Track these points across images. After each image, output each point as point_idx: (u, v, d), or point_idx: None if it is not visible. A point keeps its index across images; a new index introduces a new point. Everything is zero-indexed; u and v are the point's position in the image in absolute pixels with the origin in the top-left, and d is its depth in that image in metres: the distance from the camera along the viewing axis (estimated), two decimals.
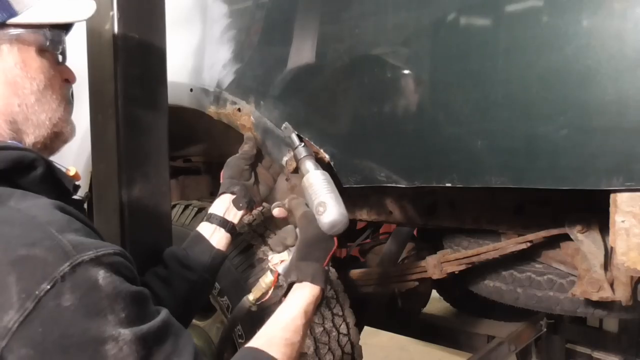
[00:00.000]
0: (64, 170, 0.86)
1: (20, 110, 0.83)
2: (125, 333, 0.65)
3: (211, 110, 1.42)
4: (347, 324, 1.51)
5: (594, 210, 1.23)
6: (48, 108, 0.86)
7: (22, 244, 0.64)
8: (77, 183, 0.89)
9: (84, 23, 1.14)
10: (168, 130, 1.21)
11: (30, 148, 0.84)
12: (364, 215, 1.73)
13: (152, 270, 1.12)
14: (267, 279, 1.09)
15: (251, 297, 1.11)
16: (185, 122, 1.54)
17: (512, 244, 1.44)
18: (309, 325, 0.97)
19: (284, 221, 1.11)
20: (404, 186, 1.08)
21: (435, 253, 1.70)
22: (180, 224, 1.61)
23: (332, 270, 1.58)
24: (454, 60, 0.98)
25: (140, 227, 1.16)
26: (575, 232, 1.26)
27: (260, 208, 1.48)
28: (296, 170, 1.19)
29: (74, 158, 1.71)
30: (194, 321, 1.58)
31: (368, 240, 2.57)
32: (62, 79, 0.91)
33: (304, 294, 0.96)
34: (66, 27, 0.90)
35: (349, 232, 2.50)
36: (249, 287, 1.17)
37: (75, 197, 0.88)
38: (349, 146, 1.16)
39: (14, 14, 0.80)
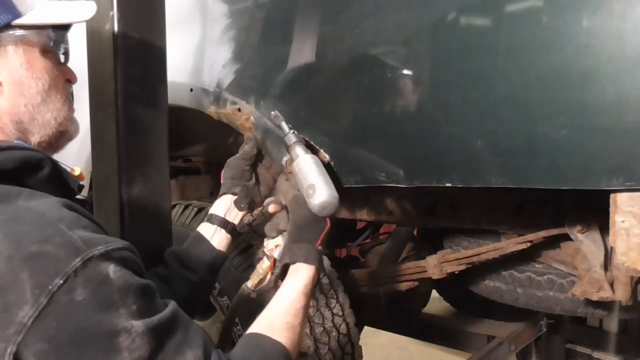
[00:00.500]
0: (68, 170, 0.87)
1: (26, 110, 0.84)
2: (138, 325, 0.66)
3: (211, 110, 1.42)
4: (347, 324, 1.51)
5: (594, 210, 1.24)
6: (53, 107, 0.87)
7: (34, 241, 0.64)
8: (81, 183, 0.90)
9: (84, 23, 1.14)
10: (168, 130, 1.21)
11: (35, 147, 0.85)
12: (364, 215, 1.73)
13: (153, 270, 1.12)
14: (264, 265, 1.11)
15: (249, 284, 1.12)
16: (185, 122, 1.54)
17: (512, 244, 1.44)
18: (308, 307, 0.98)
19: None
20: (404, 186, 1.08)
21: (435, 253, 1.70)
22: (180, 224, 1.61)
23: (332, 270, 1.58)
24: (454, 60, 0.98)
25: (140, 227, 1.16)
26: (575, 232, 1.26)
27: (260, 208, 1.48)
28: None
29: (74, 158, 1.71)
30: (194, 321, 1.58)
31: (368, 240, 2.57)
32: (64, 79, 0.91)
33: (299, 276, 0.98)
34: (67, 27, 0.91)
35: (349, 232, 2.50)
36: None
37: (79, 196, 0.89)
38: (349, 146, 1.16)
39: (18, 15, 0.81)
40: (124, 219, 1.13)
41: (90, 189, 1.70)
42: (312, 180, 1.01)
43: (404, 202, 1.64)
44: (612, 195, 0.87)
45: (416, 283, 1.82)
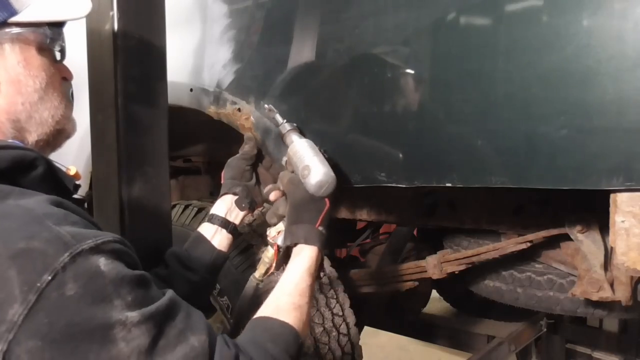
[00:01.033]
0: (64, 169, 0.87)
1: (23, 108, 0.84)
2: (133, 315, 0.66)
3: (211, 110, 1.42)
4: (347, 324, 1.51)
5: (594, 210, 1.23)
6: (50, 106, 0.87)
7: (21, 238, 0.64)
8: (77, 182, 0.90)
9: (84, 22, 1.14)
10: (168, 130, 1.21)
11: (31, 147, 0.84)
12: (364, 215, 1.73)
13: (153, 270, 1.12)
14: (268, 254, 1.11)
15: (257, 274, 1.13)
16: (185, 122, 1.54)
17: (512, 244, 1.44)
18: (314, 287, 0.98)
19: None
20: (404, 186, 1.08)
21: (435, 253, 1.70)
22: (180, 224, 1.61)
23: (332, 270, 1.58)
24: (454, 60, 0.98)
25: (140, 227, 1.16)
26: (575, 232, 1.26)
27: (261, 208, 1.48)
28: None
29: (74, 158, 1.71)
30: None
31: (368, 240, 2.57)
32: (60, 76, 0.91)
33: (302, 257, 0.98)
34: (63, 24, 0.90)
35: (349, 232, 2.50)
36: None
37: (76, 196, 0.88)
38: (349, 146, 1.16)
39: (14, 12, 0.81)
40: (124, 219, 1.13)
41: (90, 188, 1.70)
42: (307, 161, 1.02)
43: (405, 202, 1.64)
44: (612, 195, 0.87)
45: (416, 283, 1.82)
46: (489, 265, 1.58)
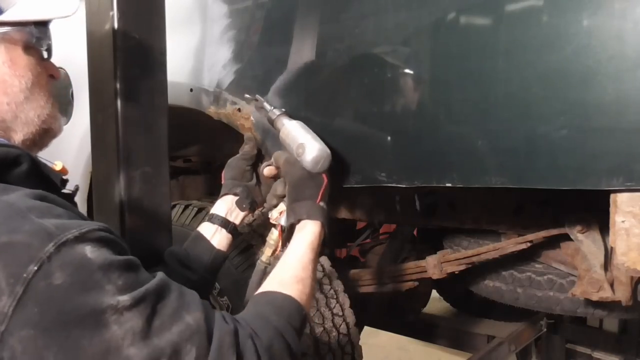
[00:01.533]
0: (50, 165, 0.86)
1: (9, 108, 0.83)
2: (124, 299, 0.65)
3: (211, 110, 1.42)
4: (347, 324, 1.51)
5: (594, 210, 1.23)
6: (37, 105, 0.86)
7: (3, 232, 0.64)
8: (64, 177, 0.89)
9: (84, 21, 1.14)
10: (168, 130, 1.21)
11: (16, 145, 0.83)
12: (364, 215, 1.73)
13: (153, 270, 1.12)
14: (273, 236, 1.13)
15: (264, 257, 1.14)
16: (185, 122, 1.54)
17: (512, 244, 1.44)
18: (317, 262, 0.99)
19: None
20: (404, 186, 1.08)
21: (435, 253, 1.70)
22: (180, 224, 1.61)
23: (332, 270, 1.58)
24: (454, 60, 0.98)
25: (140, 227, 1.15)
26: (575, 232, 1.26)
27: (261, 208, 1.48)
28: None
29: (74, 158, 1.71)
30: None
31: (368, 240, 2.57)
32: (47, 75, 0.90)
33: (305, 232, 0.99)
34: (49, 23, 0.89)
35: (349, 232, 2.50)
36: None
37: (64, 190, 0.88)
38: (349, 146, 1.16)
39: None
40: (124, 219, 1.13)
41: (90, 189, 1.70)
42: (300, 140, 1.04)
43: (404, 202, 1.64)
44: (612, 195, 0.87)
45: (416, 283, 1.82)
46: (489, 265, 1.58)
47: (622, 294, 1.23)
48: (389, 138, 1.09)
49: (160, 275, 0.74)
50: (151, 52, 1.16)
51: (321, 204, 1.02)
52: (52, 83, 0.92)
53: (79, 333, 0.62)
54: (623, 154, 0.82)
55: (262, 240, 1.45)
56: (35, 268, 0.62)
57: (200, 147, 2.19)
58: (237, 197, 1.23)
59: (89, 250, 0.66)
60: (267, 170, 1.15)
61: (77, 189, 0.94)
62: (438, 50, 1.01)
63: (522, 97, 0.90)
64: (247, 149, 1.28)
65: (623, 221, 0.86)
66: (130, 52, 1.11)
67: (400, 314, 2.62)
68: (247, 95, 1.20)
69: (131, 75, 1.12)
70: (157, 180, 1.18)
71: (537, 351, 2.54)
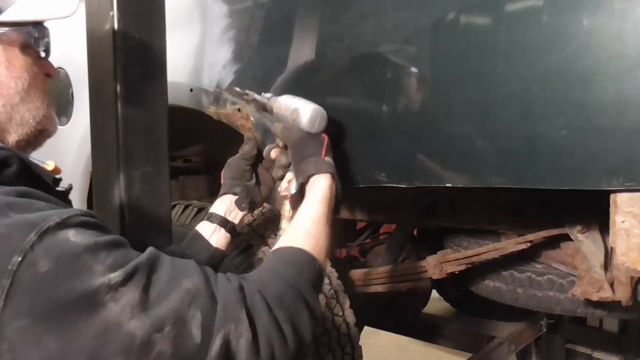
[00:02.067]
0: (41, 165, 0.85)
1: (4, 110, 0.83)
2: (115, 275, 0.64)
3: (211, 110, 1.42)
4: (347, 324, 1.51)
5: (594, 210, 1.24)
6: (32, 106, 0.86)
7: None
8: (57, 176, 0.88)
9: (84, 21, 1.14)
10: (168, 130, 1.21)
11: (12, 147, 0.83)
12: (364, 215, 1.73)
13: None
14: (286, 207, 1.11)
15: (281, 232, 1.13)
16: (185, 122, 1.54)
17: (512, 244, 1.44)
18: (330, 216, 0.97)
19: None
20: (404, 186, 1.08)
21: (435, 253, 1.70)
22: (180, 224, 1.61)
23: (332, 270, 1.58)
24: (454, 60, 0.98)
25: (140, 227, 1.15)
26: (575, 232, 1.26)
27: (261, 208, 1.48)
28: None
29: (74, 158, 1.71)
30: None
31: (368, 240, 2.57)
32: (43, 74, 0.90)
33: (315, 188, 0.99)
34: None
35: (349, 232, 2.50)
36: None
37: (59, 188, 0.87)
38: (349, 146, 1.16)
39: None
40: (124, 219, 1.13)
41: (90, 189, 1.70)
42: (293, 106, 1.05)
43: (404, 202, 1.64)
44: (612, 196, 0.87)
45: (416, 283, 1.82)
46: (489, 265, 1.58)
47: (622, 294, 1.23)
48: (389, 138, 1.09)
49: (150, 249, 0.73)
50: (151, 52, 1.16)
51: (327, 158, 1.02)
52: (48, 82, 0.91)
53: (75, 317, 0.62)
54: (623, 154, 0.82)
55: (262, 240, 1.45)
56: (20, 259, 0.61)
57: (200, 147, 2.19)
58: (236, 197, 1.22)
59: (72, 235, 0.65)
60: (273, 152, 1.14)
61: (70, 187, 0.93)
62: (438, 50, 1.01)
63: (522, 97, 0.90)
64: (247, 148, 1.28)
65: (623, 221, 0.86)
66: (130, 52, 1.11)
67: (400, 314, 2.62)
68: (237, 89, 1.20)
69: (131, 75, 1.12)
70: (157, 180, 1.18)
71: (537, 351, 2.55)
